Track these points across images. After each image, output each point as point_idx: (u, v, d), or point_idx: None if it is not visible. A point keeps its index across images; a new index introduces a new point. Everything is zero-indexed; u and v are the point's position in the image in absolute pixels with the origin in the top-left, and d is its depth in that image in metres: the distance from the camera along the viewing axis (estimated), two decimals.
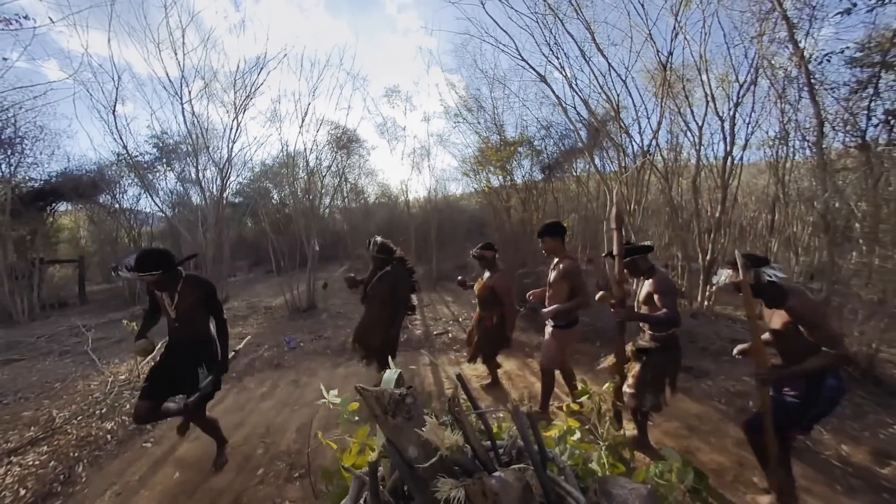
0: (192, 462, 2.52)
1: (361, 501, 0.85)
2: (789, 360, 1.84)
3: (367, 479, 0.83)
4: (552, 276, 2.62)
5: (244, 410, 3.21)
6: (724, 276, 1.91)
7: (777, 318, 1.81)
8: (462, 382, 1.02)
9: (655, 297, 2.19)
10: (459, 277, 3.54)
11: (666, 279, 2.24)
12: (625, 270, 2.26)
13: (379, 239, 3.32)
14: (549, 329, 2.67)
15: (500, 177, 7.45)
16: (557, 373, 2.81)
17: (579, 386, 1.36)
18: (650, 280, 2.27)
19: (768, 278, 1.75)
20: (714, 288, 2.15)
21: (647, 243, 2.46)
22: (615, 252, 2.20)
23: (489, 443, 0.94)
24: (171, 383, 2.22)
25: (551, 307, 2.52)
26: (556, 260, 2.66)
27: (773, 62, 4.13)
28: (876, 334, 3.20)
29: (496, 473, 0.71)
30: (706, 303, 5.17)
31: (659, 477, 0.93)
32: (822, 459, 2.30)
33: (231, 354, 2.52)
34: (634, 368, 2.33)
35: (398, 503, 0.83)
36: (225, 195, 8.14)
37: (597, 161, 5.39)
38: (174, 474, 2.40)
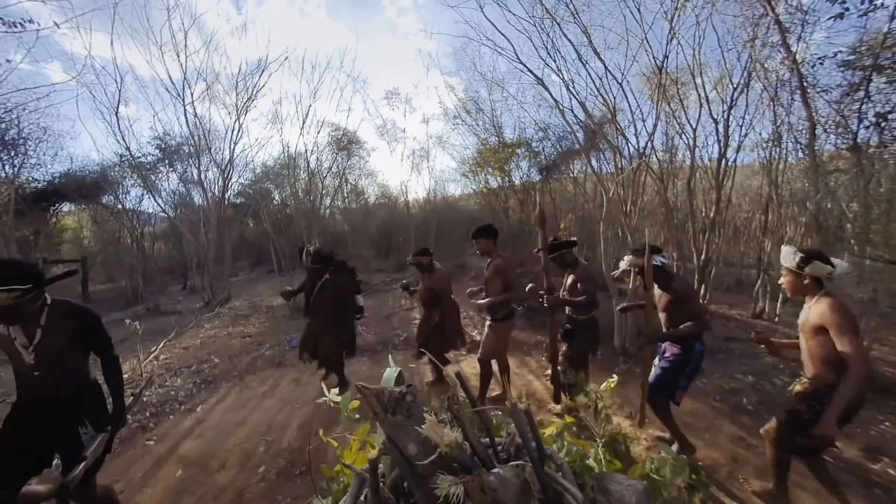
0: (195, 459, 2.54)
1: (362, 498, 0.86)
2: (671, 328, 2.28)
3: (368, 477, 0.83)
4: (486, 274, 2.86)
5: (246, 408, 3.25)
6: (627, 260, 2.39)
7: (664, 297, 2.27)
8: (461, 381, 1.02)
9: (578, 285, 2.63)
10: (403, 282, 3.65)
11: (586, 269, 2.67)
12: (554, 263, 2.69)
13: (312, 248, 3.36)
14: (487, 323, 2.91)
15: (499, 178, 7.52)
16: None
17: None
18: (574, 271, 2.70)
19: (658, 263, 2.20)
20: (618, 271, 2.60)
21: (573, 239, 2.88)
22: (542, 247, 2.51)
23: (488, 440, 0.95)
24: (34, 455, 1.57)
25: (485, 300, 2.82)
26: (489, 260, 2.88)
27: (766, 66, 4.19)
28: (867, 333, 3.25)
29: (495, 470, 0.71)
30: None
31: (655, 473, 0.94)
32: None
33: (129, 399, 2.01)
34: (563, 348, 2.75)
35: (398, 500, 0.84)
36: (227, 196, 8.20)
37: (593, 162, 5.45)
38: (177, 472, 2.42)
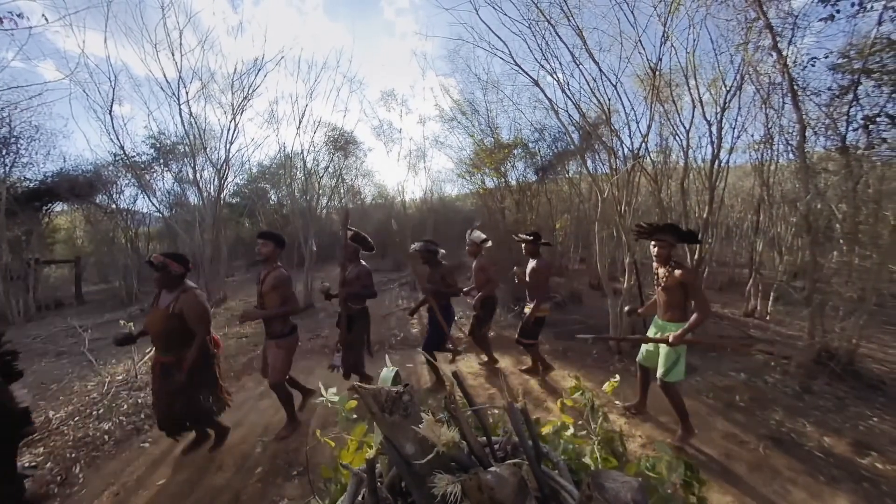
0: (191, 461, 2.52)
1: (360, 498, 0.86)
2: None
3: (365, 476, 0.83)
4: (263, 286, 2.67)
5: (242, 409, 3.23)
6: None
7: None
8: (458, 380, 1.02)
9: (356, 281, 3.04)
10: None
11: (366, 272, 3.05)
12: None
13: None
14: (271, 343, 2.71)
15: (495, 178, 7.54)
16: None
17: (573, 382, 1.35)
18: (357, 270, 3.07)
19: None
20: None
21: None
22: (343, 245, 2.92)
23: (485, 439, 0.95)
24: None
25: (260, 312, 2.65)
26: (266, 270, 2.68)
27: (758, 69, 4.26)
28: (856, 330, 3.31)
29: (492, 469, 0.72)
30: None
31: (650, 470, 0.96)
32: (805, 451, 2.38)
33: None
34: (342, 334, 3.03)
35: (396, 499, 0.84)
36: (222, 195, 8.15)
37: (588, 163, 5.48)
38: (172, 474, 2.40)
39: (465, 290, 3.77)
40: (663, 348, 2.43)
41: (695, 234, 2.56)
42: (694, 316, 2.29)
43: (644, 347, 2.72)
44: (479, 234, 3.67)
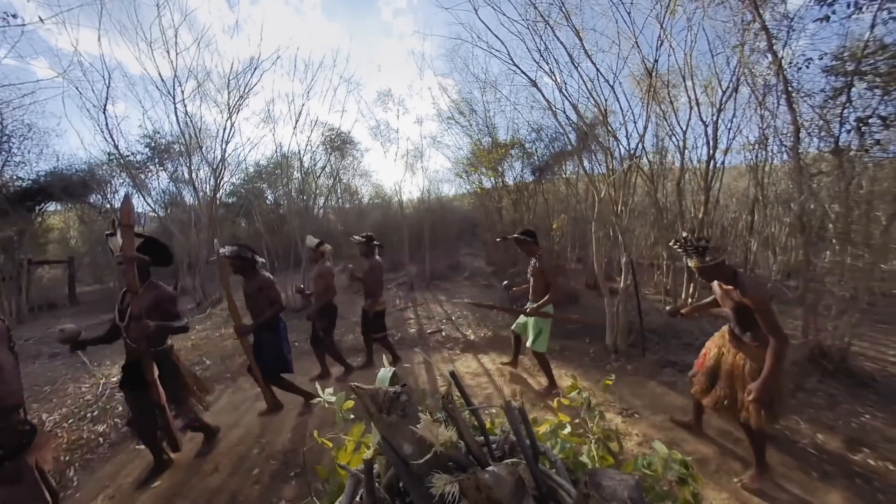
0: (187, 463, 2.51)
1: (357, 499, 0.86)
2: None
3: (363, 477, 0.83)
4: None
5: (239, 411, 3.22)
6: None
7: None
8: (456, 380, 1.03)
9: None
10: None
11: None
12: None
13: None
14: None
15: (492, 178, 7.56)
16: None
17: (569, 381, 1.39)
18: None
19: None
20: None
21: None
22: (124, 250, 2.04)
23: (482, 438, 0.95)
24: None
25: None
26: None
27: (753, 71, 4.30)
28: (848, 329, 3.35)
29: (489, 468, 0.72)
30: (690, 300, 5.33)
31: (647, 468, 0.97)
32: (798, 448, 2.40)
33: None
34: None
35: (394, 500, 0.84)
36: (218, 195, 8.09)
37: (585, 163, 5.52)
38: (168, 476, 2.38)
39: (306, 292, 3.96)
40: (530, 321, 3.22)
41: None
42: (547, 296, 3.06)
43: (517, 320, 3.48)
44: (312, 239, 3.63)
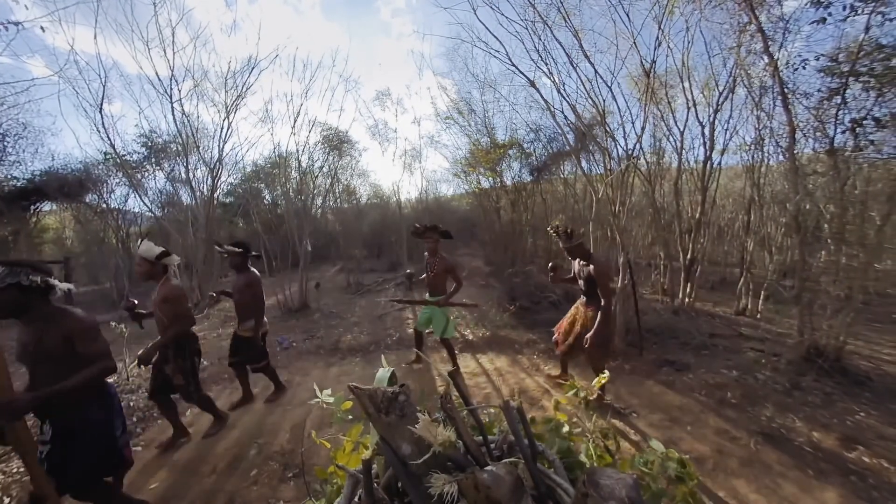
0: (185, 464, 2.50)
1: (356, 499, 0.86)
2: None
3: (362, 477, 0.83)
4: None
5: (236, 411, 3.21)
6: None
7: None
8: (454, 380, 1.04)
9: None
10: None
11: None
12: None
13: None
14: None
15: (490, 178, 7.57)
16: None
17: (567, 381, 1.40)
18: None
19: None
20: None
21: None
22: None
23: (481, 438, 0.95)
24: None
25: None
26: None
27: (749, 72, 4.33)
28: (843, 328, 3.38)
29: (488, 468, 0.72)
30: (687, 300, 5.36)
31: (644, 466, 0.97)
32: (794, 446, 2.43)
33: None
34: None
35: (392, 500, 0.84)
36: (216, 195, 8.06)
37: (583, 164, 5.54)
38: (166, 477, 2.37)
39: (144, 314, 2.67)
40: (437, 312, 3.49)
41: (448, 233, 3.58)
42: (452, 289, 3.49)
43: (421, 316, 3.68)
44: (150, 247, 2.47)
